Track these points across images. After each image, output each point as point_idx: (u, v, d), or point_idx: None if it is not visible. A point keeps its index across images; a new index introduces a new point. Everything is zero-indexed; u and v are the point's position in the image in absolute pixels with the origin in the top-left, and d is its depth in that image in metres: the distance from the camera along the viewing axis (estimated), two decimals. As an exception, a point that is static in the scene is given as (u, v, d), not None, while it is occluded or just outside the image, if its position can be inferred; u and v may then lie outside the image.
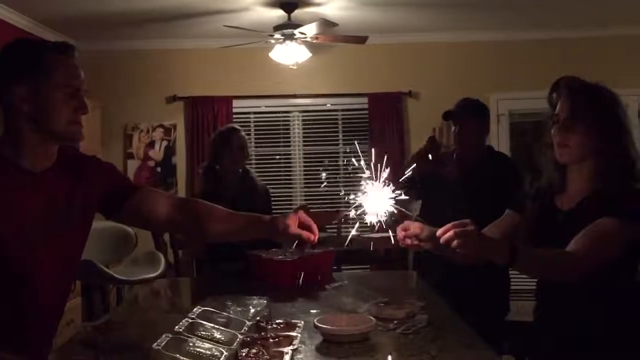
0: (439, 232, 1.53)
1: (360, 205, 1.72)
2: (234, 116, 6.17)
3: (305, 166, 6.38)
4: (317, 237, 1.73)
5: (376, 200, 1.70)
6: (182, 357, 1.40)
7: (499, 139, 5.99)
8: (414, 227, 1.72)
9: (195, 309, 1.78)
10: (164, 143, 6.21)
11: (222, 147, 2.97)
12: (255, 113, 6.33)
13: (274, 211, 4.16)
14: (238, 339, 1.60)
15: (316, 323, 1.67)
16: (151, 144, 6.22)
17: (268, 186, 6.20)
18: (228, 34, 5.12)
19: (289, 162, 6.38)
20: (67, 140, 1.52)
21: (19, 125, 1.44)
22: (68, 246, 1.56)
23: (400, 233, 1.72)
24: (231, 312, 1.94)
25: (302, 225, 1.71)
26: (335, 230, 5.34)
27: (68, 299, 1.68)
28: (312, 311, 1.97)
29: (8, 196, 1.39)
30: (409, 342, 1.62)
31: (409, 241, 1.71)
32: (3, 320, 1.43)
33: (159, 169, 6.20)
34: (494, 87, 5.94)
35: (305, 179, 6.37)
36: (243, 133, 3.07)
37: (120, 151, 6.17)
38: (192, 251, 3.06)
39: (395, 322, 1.79)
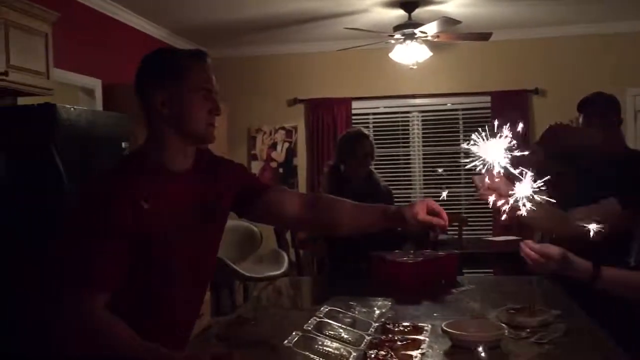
0: (524, 249, 1.70)
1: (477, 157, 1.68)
2: (353, 117, 6.22)
3: (424, 167, 6.28)
4: (447, 222, 1.69)
5: (492, 152, 1.67)
6: (312, 355, 1.43)
7: (637, 137, 5.56)
8: (499, 182, 1.72)
9: (322, 307, 1.81)
10: (286, 145, 6.38)
11: (348, 151, 2.99)
12: (374, 114, 6.33)
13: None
14: (365, 340, 1.61)
15: (444, 327, 1.63)
16: (273, 146, 6.41)
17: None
18: (347, 36, 5.17)
19: (408, 163, 6.32)
20: (203, 140, 1.60)
21: (161, 128, 1.54)
22: (205, 244, 1.64)
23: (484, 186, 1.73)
24: (356, 312, 1.95)
25: (431, 212, 1.68)
26: (456, 232, 5.23)
27: (204, 296, 1.75)
28: (437, 315, 1.93)
29: (155, 195, 1.48)
30: (544, 353, 1.54)
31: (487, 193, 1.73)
32: (148, 314, 1.52)
33: (280, 170, 6.38)
34: (630, 81, 5.52)
35: (424, 179, 6.28)
36: (371, 139, 3.07)
37: (245, 153, 6.42)
38: (314, 250, 3.11)
39: (528, 330, 1.71)
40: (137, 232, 1.42)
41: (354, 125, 6.19)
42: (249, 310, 2.12)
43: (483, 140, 1.68)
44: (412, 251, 2.74)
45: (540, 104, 5.85)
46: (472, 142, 1.69)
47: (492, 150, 1.66)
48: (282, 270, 3.73)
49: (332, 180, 3.03)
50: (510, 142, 1.65)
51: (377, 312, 1.97)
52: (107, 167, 1.60)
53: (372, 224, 1.80)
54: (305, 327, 1.59)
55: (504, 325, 1.66)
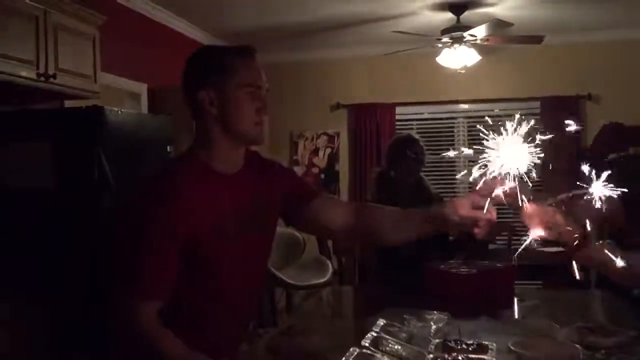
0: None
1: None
2: (397, 123, 6.10)
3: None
4: (495, 215, 1.47)
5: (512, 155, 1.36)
6: (373, 374, 1.33)
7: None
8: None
9: (378, 321, 1.71)
10: (328, 150, 6.30)
11: (398, 156, 2.88)
12: (418, 120, 6.20)
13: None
14: (426, 358, 1.50)
15: (512, 347, 1.51)
16: (315, 151, 6.34)
17: None
18: (393, 40, 5.05)
19: (453, 171, 6.16)
20: (252, 141, 1.53)
21: (209, 128, 1.48)
22: (256, 250, 1.58)
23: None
24: (412, 326, 1.85)
25: (476, 208, 1.50)
26: (505, 242, 5.06)
27: (257, 300, 1.68)
28: (499, 332, 1.81)
29: (205, 197, 1.43)
30: (624, 377, 1.41)
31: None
32: (198, 318, 1.47)
33: (322, 176, 6.29)
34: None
35: (470, 187, 6.09)
36: (422, 144, 2.94)
37: (287, 158, 6.36)
38: (359, 256, 3.01)
39: (603, 351, 1.58)
40: (187, 235, 1.38)
41: (398, 131, 6.08)
42: (299, 321, 2.03)
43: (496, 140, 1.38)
44: (464, 261, 2.62)
45: (594, 110, 5.62)
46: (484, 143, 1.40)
47: (512, 153, 1.37)
48: (326, 278, 3.64)
49: (381, 186, 2.93)
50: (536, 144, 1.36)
51: (434, 326, 1.87)
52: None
53: (415, 230, 1.66)
54: (362, 342, 1.49)
55: (578, 346, 1.54)
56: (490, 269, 2.41)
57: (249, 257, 1.52)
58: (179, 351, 1.33)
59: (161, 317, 1.37)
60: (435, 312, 1.96)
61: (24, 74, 2.85)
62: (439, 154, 6.23)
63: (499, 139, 1.39)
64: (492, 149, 1.40)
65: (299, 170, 6.33)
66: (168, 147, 3.18)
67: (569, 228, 1.45)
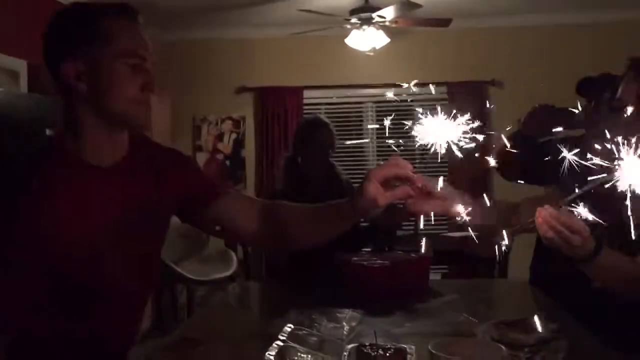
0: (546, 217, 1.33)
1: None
2: (305, 107, 5.92)
3: (379, 161, 6.05)
4: (421, 181, 1.28)
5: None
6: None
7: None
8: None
9: (285, 327, 1.51)
10: (233, 135, 6.02)
11: (306, 141, 2.67)
12: (326, 104, 6.05)
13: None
14: (339, 369, 1.31)
15: (433, 350, 1.35)
16: (220, 137, 6.05)
17: None
18: (299, 21, 4.86)
19: (362, 156, 6.07)
20: (130, 124, 1.24)
21: (78, 110, 1.21)
22: (143, 250, 1.31)
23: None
24: (322, 328, 1.67)
25: (385, 182, 1.28)
26: (412, 228, 5.01)
27: (145, 305, 1.41)
28: (414, 330, 1.66)
29: (72, 196, 1.16)
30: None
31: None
32: (72, 335, 1.22)
33: (228, 162, 6.02)
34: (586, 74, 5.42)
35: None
36: (332, 127, 2.73)
37: (189, 144, 6.03)
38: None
39: (527, 349, 1.46)
40: (47, 251, 1.12)
41: (305, 115, 5.90)
42: (195, 329, 1.79)
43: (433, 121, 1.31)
44: (375, 251, 2.48)
45: (498, 96, 5.69)
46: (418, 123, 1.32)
47: (445, 131, 1.30)
48: (231, 271, 3.41)
49: (289, 173, 2.71)
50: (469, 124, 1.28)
51: (347, 327, 1.71)
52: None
53: (333, 228, 1.43)
54: (267, 355, 1.28)
55: (502, 346, 1.40)
56: (405, 260, 2.26)
57: (134, 259, 1.26)
58: None
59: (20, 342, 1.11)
60: (347, 310, 1.80)
61: None
62: (347, 139, 6.17)
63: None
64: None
65: (202, 156, 6.02)
66: (47, 131, 2.81)
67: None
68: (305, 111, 5.91)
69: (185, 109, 5.92)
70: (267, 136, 5.86)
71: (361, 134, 6.06)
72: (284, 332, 1.47)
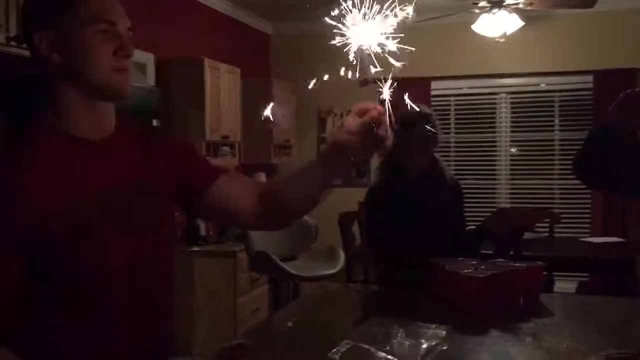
0: None
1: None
2: (433, 99, 5.64)
3: (512, 156, 5.61)
4: (380, 109, 1.23)
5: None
6: None
7: None
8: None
9: (343, 342, 1.34)
10: (358, 128, 5.88)
11: (404, 135, 2.46)
12: (455, 95, 5.72)
13: (469, 208, 3.58)
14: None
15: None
16: (345, 129, 5.94)
17: (468, 177, 5.74)
18: (423, 8, 4.58)
19: (494, 151, 5.66)
20: (111, 92, 1.16)
21: (54, 82, 1.15)
22: (142, 232, 1.18)
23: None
24: (396, 344, 1.48)
25: (361, 114, 1.25)
26: (546, 230, 4.56)
27: (166, 293, 1.26)
28: (506, 356, 1.41)
29: (53, 171, 1.08)
30: None
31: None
32: (77, 332, 1.11)
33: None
34: None
35: (512, 170, 5.60)
36: (434, 118, 2.47)
37: (314, 136, 6.00)
38: (360, 257, 2.62)
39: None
40: (28, 229, 1.03)
41: (434, 108, 5.62)
42: (255, 335, 1.67)
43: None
44: (484, 258, 2.21)
45: (653, 85, 5.00)
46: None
47: (366, 33, 1.15)
48: (336, 269, 3.28)
49: (386, 168, 2.51)
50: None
51: (425, 345, 1.51)
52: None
53: (319, 183, 1.29)
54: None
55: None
56: (510, 270, 1.98)
57: (132, 255, 1.15)
58: None
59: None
60: (432, 325, 1.60)
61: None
62: (479, 132, 5.79)
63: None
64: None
65: (326, 149, 5.95)
66: (154, 121, 2.86)
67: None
68: (433, 103, 5.62)
69: (310, 101, 5.88)
70: (393, 129, 5.65)
71: (494, 127, 5.65)
72: (341, 347, 1.30)
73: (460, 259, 2.07)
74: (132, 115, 2.76)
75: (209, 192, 1.30)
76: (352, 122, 1.23)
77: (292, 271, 3.18)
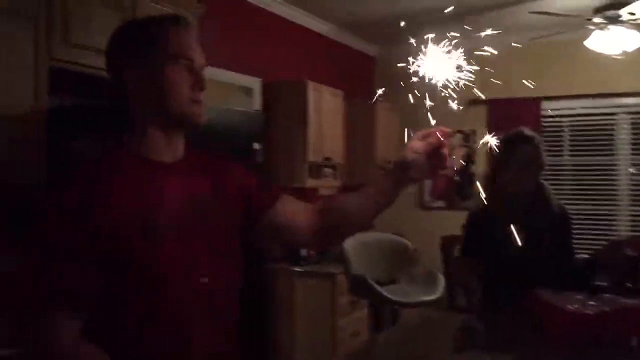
0: None
1: None
2: (544, 120, 5.40)
3: (632, 179, 5.22)
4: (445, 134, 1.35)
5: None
6: None
7: None
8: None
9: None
10: (462, 150, 5.73)
11: (503, 159, 2.34)
12: (569, 116, 5.43)
13: (585, 235, 3.35)
14: None
15: None
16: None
17: (584, 203, 5.38)
18: (532, 26, 4.44)
19: (613, 175, 5.30)
20: (188, 121, 1.29)
21: (138, 112, 1.30)
22: (208, 259, 1.29)
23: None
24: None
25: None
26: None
27: (229, 333, 1.35)
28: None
29: (141, 189, 1.24)
30: None
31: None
32: (143, 325, 1.22)
33: (456, 178, 5.75)
34: None
35: (632, 195, 5.21)
36: (537, 141, 2.33)
37: (417, 158, 5.91)
38: (457, 278, 2.51)
39: None
40: (108, 236, 1.17)
41: (544, 130, 5.38)
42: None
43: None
44: (597, 292, 2.05)
45: None
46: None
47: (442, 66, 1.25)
48: (436, 296, 3.18)
49: (489, 191, 2.40)
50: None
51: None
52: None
53: (378, 198, 1.43)
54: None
55: None
56: (622, 307, 1.82)
57: (198, 268, 1.26)
58: None
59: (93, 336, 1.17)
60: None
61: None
62: (596, 155, 5.47)
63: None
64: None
65: (430, 171, 5.84)
66: (256, 145, 2.93)
67: None
68: (544, 124, 5.38)
69: (415, 124, 5.81)
70: (500, 151, 5.46)
71: (612, 150, 5.30)
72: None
73: (566, 291, 1.93)
74: (234, 138, 2.86)
75: (272, 210, 1.42)
76: (417, 143, 1.37)
77: (390, 296, 3.11)
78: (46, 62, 2.48)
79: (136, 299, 1.19)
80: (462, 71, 1.27)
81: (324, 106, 4.60)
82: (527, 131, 2.39)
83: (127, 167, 1.25)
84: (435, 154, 1.34)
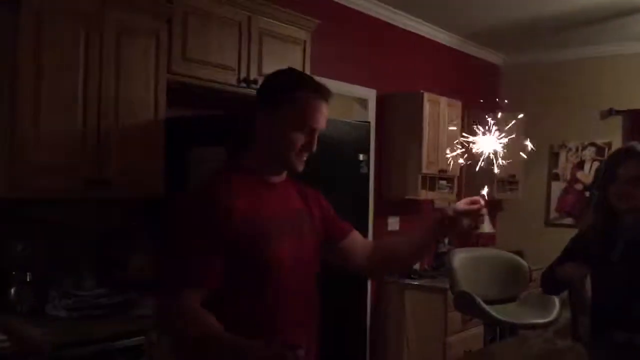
0: None
1: None
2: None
3: None
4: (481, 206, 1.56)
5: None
6: None
7: None
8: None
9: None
10: (596, 164, 5.35)
11: (608, 174, 2.15)
12: None
13: None
14: None
15: None
16: (580, 165, 5.46)
17: None
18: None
19: None
20: (289, 169, 1.59)
21: (259, 142, 1.57)
22: (300, 252, 1.58)
23: None
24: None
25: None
26: None
27: (313, 284, 1.65)
28: None
29: (255, 200, 1.53)
30: None
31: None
32: (254, 304, 1.50)
33: (587, 193, 5.37)
34: None
35: None
36: None
37: (544, 172, 5.63)
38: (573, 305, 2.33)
39: None
40: (232, 233, 1.45)
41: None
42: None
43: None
44: None
45: None
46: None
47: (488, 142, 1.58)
48: (549, 319, 2.98)
49: (598, 216, 2.21)
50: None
51: None
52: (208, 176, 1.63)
53: (419, 245, 1.73)
54: None
55: None
56: None
57: (295, 258, 1.55)
58: (215, 333, 1.38)
59: (212, 309, 1.42)
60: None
61: (224, 79, 2.91)
62: None
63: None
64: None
65: (558, 185, 5.53)
66: (360, 156, 2.94)
67: None
68: (689, 137, 4.89)
69: (541, 135, 5.53)
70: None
71: None
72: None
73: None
74: (340, 148, 2.89)
75: (341, 243, 1.71)
76: (461, 205, 1.58)
77: (497, 315, 2.97)
78: (165, 76, 2.68)
79: (249, 283, 1.47)
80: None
81: (441, 117, 4.52)
82: (637, 146, 2.18)
83: (248, 183, 1.53)
84: (474, 216, 1.57)
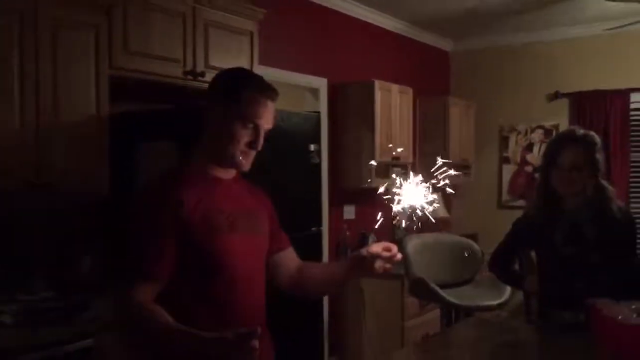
0: None
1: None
2: (632, 112, 5.06)
3: None
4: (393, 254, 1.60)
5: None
6: None
7: None
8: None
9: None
10: (544, 146, 5.46)
11: (550, 159, 2.20)
12: (661, 108, 5.06)
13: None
14: None
15: None
16: (529, 147, 5.58)
17: None
18: (616, 14, 4.17)
19: None
20: (234, 166, 1.60)
21: (209, 140, 1.61)
22: (251, 236, 1.63)
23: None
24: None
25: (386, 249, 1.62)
26: None
27: (262, 274, 1.70)
28: None
29: (205, 195, 1.57)
30: None
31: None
32: (205, 295, 1.54)
33: (536, 175, 5.49)
34: None
35: None
36: (591, 138, 2.15)
37: (495, 155, 5.74)
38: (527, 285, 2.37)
39: None
40: (183, 226, 1.49)
41: (633, 124, 5.05)
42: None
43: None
44: None
45: None
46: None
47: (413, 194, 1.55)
48: (501, 300, 3.04)
49: (542, 196, 2.26)
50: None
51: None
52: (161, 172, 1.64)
53: (338, 283, 1.80)
54: None
55: None
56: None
57: (246, 252, 1.60)
58: (163, 325, 1.41)
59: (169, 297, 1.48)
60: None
61: (169, 72, 2.85)
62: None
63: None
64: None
65: (509, 168, 5.65)
66: (311, 146, 2.93)
67: None
68: (632, 117, 5.05)
69: (491, 119, 5.64)
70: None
71: None
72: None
73: (623, 301, 1.79)
74: (291, 139, 2.87)
75: (275, 256, 1.73)
76: (376, 247, 1.61)
77: (451, 299, 3.02)
78: (106, 71, 2.61)
79: (201, 274, 1.51)
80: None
81: (393, 105, 4.54)
82: (580, 131, 2.23)
83: (197, 179, 1.57)
84: (387, 259, 1.60)
